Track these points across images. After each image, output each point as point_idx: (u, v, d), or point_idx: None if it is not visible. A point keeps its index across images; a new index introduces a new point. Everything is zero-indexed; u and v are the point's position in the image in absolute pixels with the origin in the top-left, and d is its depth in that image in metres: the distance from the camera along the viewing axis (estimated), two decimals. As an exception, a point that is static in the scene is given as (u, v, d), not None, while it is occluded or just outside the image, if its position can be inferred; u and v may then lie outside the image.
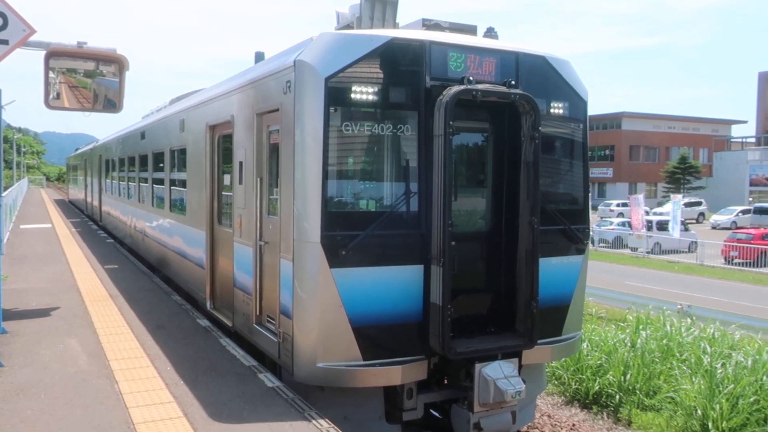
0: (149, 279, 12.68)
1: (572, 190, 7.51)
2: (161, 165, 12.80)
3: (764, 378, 8.94)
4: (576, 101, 7.31)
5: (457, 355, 6.22)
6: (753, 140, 69.58)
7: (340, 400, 6.42)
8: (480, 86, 6.37)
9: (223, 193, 8.94)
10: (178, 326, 8.82)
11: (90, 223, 24.97)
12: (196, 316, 9.46)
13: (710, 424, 8.36)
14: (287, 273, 6.44)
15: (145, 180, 14.49)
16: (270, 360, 7.21)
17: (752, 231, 33.46)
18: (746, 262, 29.33)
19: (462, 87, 6.24)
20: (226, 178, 8.71)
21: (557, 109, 7.15)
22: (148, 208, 14.28)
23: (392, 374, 6.28)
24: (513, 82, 6.56)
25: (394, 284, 6.27)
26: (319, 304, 6.10)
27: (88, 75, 9.59)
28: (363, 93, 6.17)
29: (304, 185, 6.15)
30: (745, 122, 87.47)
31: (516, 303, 6.70)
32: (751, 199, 58.21)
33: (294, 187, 6.22)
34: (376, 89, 6.21)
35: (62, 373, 6.76)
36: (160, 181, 12.89)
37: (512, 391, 6.29)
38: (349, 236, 6.09)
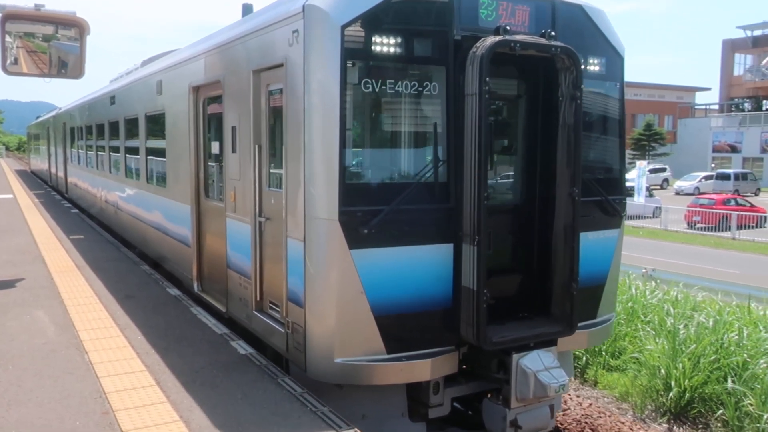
0: (116, 249, 12.49)
1: (608, 158, 6.73)
2: (135, 132, 11.78)
3: (724, 337, 9.23)
4: (613, 57, 6.53)
5: (493, 345, 5.53)
6: (716, 107, 70.82)
7: (358, 396, 5.76)
8: (518, 37, 5.56)
9: (211, 163, 8.17)
10: (147, 296, 8.74)
11: (55, 195, 24.31)
12: (165, 286, 9.37)
13: (673, 383, 8.62)
14: (296, 255, 5.67)
15: (116, 149, 13.41)
16: (273, 351, 6.52)
17: (714, 196, 34.33)
18: (708, 227, 30.11)
19: (498, 38, 5.41)
20: (214, 146, 7.94)
21: (593, 65, 6.37)
22: (120, 179, 13.25)
23: (420, 369, 5.59)
24: (552, 33, 5.72)
25: (421, 266, 5.56)
26: (337, 291, 5.38)
27: (47, 39, 9.26)
28: (384, 44, 5.37)
29: (317, 153, 5.39)
30: (708, 89, 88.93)
31: (551, 284, 5.99)
32: (713, 165, 59.48)
33: (304, 156, 5.45)
34: (398, 40, 5.41)
35: (30, 344, 6.66)
36: (134, 150, 11.88)
37: (556, 384, 5.60)
38: (370, 212, 5.32)
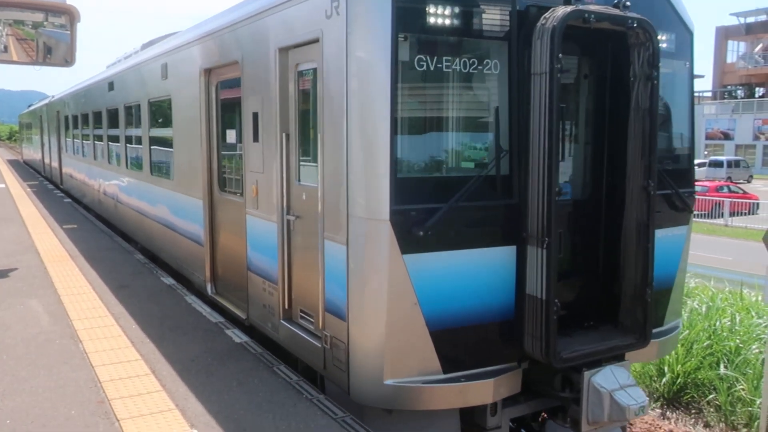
0: (110, 238, 12.44)
1: (677, 146, 6.02)
2: (136, 120, 10.97)
3: (717, 323, 9.29)
4: (683, 34, 5.82)
5: (563, 362, 4.83)
6: (709, 95, 70.93)
7: (405, 419, 5.12)
8: (592, 7, 4.87)
9: (225, 153, 7.48)
10: (141, 285, 8.72)
11: (48, 185, 24.08)
12: (160, 275, 9.35)
13: (666, 368, 8.69)
14: (336, 260, 4.98)
15: (116, 138, 12.62)
16: (304, 365, 5.87)
17: (707, 183, 34.43)
18: (701, 214, 30.22)
19: (571, 8, 4.70)
20: (230, 135, 7.27)
21: (663, 42, 5.53)
22: (120, 170, 12.48)
23: (481, 391, 4.91)
24: (627, 4, 4.98)
25: (480, 272, 4.90)
26: (387, 303, 4.66)
27: (36, 27, 9.17)
28: (440, 16, 4.68)
29: (363, 143, 4.69)
30: (702, 77, 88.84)
31: (620, 289, 5.30)
32: (706, 152, 59.67)
33: (347, 146, 4.75)
34: (456, 11, 4.72)
35: (24, 334, 6.64)
36: (136, 140, 11.11)
37: (635, 406, 4.89)
38: (425, 211, 4.65)
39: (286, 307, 5.96)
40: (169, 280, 9.00)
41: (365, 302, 4.81)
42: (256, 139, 6.27)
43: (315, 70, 5.26)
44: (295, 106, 5.72)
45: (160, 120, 9.89)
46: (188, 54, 8.19)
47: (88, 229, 13.48)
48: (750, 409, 7.87)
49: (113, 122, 12.76)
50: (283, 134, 5.76)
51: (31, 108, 34.19)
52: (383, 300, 4.68)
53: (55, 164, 23.11)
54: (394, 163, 4.61)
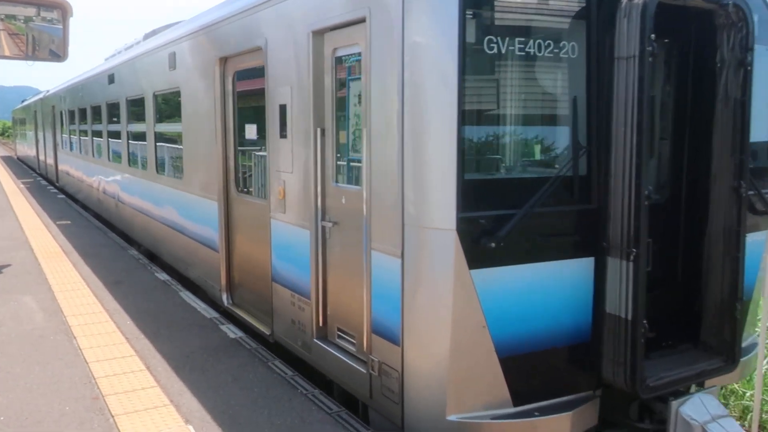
0: (104, 234, 12.41)
1: (760, 141, 5.32)
2: (140, 114, 10.21)
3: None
4: (767, 15, 5.11)
5: (651, 390, 4.20)
6: None
7: None
8: None
9: (243, 150, 6.87)
10: (136, 281, 8.70)
11: (44, 183, 23.78)
12: (154, 270, 9.33)
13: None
14: (387, 274, 4.34)
15: (116, 134, 11.98)
16: (341, 390, 5.26)
17: None
18: None
19: None
20: (250, 130, 6.65)
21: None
22: (122, 168, 11.79)
23: (558, 426, 4.30)
24: None
25: (555, 288, 4.31)
26: (452, 326, 4.05)
27: (28, 21, 9.12)
28: None
29: (423, 138, 4.05)
30: None
31: (703, 303, 4.66)
32: None
33: (403, 142, 4.11)
34: None
35: (18, 330, 6.62)
36: (140, 135, 10.38)
37: None
38: (497, 218, 4.04)
39: (321, 324, 5.33)
40: (163, 276, 8.98)
41: (425, 325, 4.17)
42: (283, 134, 5.65)
43: (358, 55, 4.62)
44: (332, 97, 5.06)
45: (168, 114, 9.25)
46: (200, 41, 7.51)
47: (82, 225, 13.43)
48: (742, 402, 7.92)
49: (114, 117, 12.13)
50: (318, 129, 5.11)
51: (25, 103, 33.57)
52: (447, 322, 4.04)
53: (50, 161, 22.55)
54: (461, 162, 3.95)
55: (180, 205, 8.67)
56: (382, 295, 4.46)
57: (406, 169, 4.13)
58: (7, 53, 8.96)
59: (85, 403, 4.96)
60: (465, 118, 4.01)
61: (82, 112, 15.30)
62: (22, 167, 32.79)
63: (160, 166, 9.60)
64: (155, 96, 9.45)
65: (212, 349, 6.13)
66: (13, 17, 9.02)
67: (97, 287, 8.29)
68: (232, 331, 6.64)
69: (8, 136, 74.69)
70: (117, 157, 12.20)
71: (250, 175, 6.78)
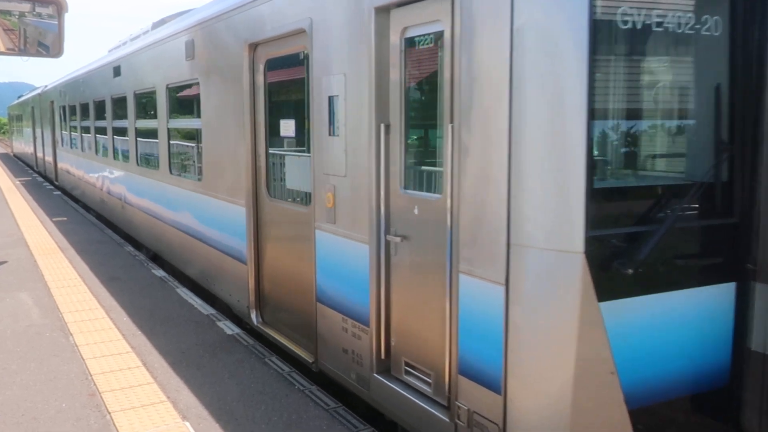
0: (100, 231, 12.39)
1: None
2: (150, 109, 9.49)
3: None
4: None
5: None
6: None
7: None
8: None
9: (276, 150, 6.03)
10: (132, 277, 8.68)
11: (43, 182, 23.54)
12: (151, 267, 9.32)
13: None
14: (484, 304, 3.55)
15: (122, 131, 11.18)
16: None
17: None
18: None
19: None
20: (286, 126, 5.85)
21: None
22: (129, 168, 10.96)
23: None
24: None
25: (691, 321, 3.55)
26: (575, 372, 3.23)
27: (23, 17, 9.08)
28: None
29: (540, 136, 3.23)
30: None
31: None
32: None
33: (511, 142, 3.28)
34: None
35: (14, 327, 6.61)
36: (149, 132, 9.59)
37: None
38: (633, 237, 3.30)
39: (383, 356, 4.53)
40: (160, 273, 8.97)
41: (538, 370, 3.36)
42: (333, 131, 4.86)
43: (439, 35, 3.85)
44: (400, 86, 4.22)
45: (184, 109, 8.56)
46: (224, 27, 6.69)
47: (78, 222, 13.41)
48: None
49: (120, 112, 11.30)
50: (381, 125, 4.31)
51: (22, 99, 32.92)
52: (568, 368, 3.23)
53: (49, 159, 21.79)
54: (590, 166, 3.14)
55: (198, 210, 7.82)
56: (473, 330, 3.65)
57: (516, 175, 3.27)
58: (1, 49, 8.92)
59: (81, 400, 4.96)
60: (594, 111, 3.20)
61: (84, 107, 14.62)
62: (18, 164, 32.68)
63: (174, 166, 8.79)
64: (168, 89, 8.58)
65: (209, 346, 6.13)
66: (8, 13, 8.98)
67: (93, 284, 8.28)
68: (228, 328, 6.64)
69: (4, 132, 74.40)
70: (123, 155, 11.40)
71: (287, 179, 5.96)
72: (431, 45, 4.01)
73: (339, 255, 4.95)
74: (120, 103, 11.22)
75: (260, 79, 6.05)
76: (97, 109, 13.23)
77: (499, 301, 3.42)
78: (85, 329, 6.53)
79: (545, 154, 3.22)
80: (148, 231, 10.21)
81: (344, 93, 4.69)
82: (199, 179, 7.72)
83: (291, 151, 5.85)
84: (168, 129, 8.71)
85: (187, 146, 8.50)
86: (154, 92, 9.09)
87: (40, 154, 24.81)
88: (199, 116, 7.53)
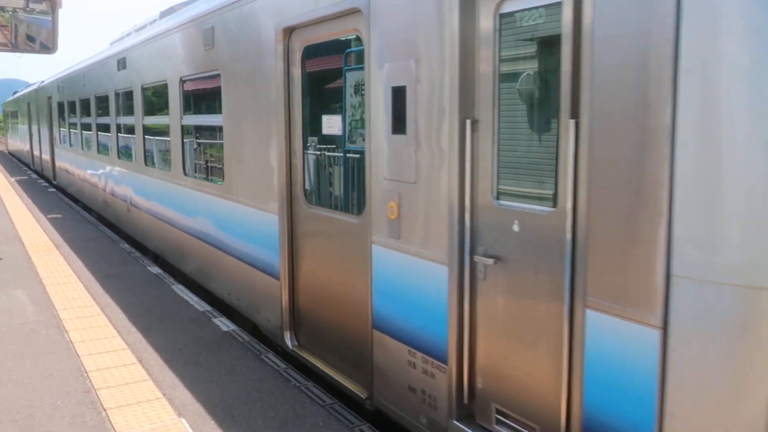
0: (95, 228, 12.36)
1: None
2: (161, 105, 8.84)
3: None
4: None
5: None
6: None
7: None
8: None
9: (316, 149, 5.39)
10: (128, 274, 8.66)
11: (40, 181, 23.38)
12: (146, 264, 9.30)
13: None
14: (626, 351, 2.86)
15: (128, 128, 10.52)
16: None
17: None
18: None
19: None
20: (329, 123, 5.15)
21: None
22: (136, 167, 10.17)
23: None
24: None
25: None
26: None
27: (17, 13, 9.04)
28: None
29: (734, 134, 2.53)
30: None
31: None
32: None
33: (675, 139, 2.60)
34: None
35: (9, 324, 6.59)
36: (160, 130, 8.99)
37: None
38: None
39: (465, 400, 3.84)
40: (155, 270, 8.95)
41: None
42: (399, 128, 4.12)
43: (555, 8, 3.14)
44: (493, 74, 3.52)
45: (201, 103, 7.86)
46: (252, 10, 5.98)
47: (73, 219, 13.37)
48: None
49: (125, 108, 10.61)
50: (467, 121, 3.62)
51: (18, 95, 32.29)
52: None
53: (46, 157, 21.05)
54: None
55: (219, 216, 7.05)
56: (607, 380, 2.96)
57: (682, 185, 2.58)
58: (-5, 45, 8.89)
59: (77, 397, 4.94)
60: None
61: (85, 103, 13.84)
62: (13, 162, 32.52)
63: (189, 167, 8.06)
64: (182, 82, 7.82)
65: (205, 342, 6.12)
66: (2, 9, 8.94)
67: (88, 281, 8.26)
68: (225, 324, 6.63)
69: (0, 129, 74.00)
70: (129, 154, 10.68)
71: (330, 183, 5.36)
72: (540, 21, 3.30)
73: (405, 276, 4.18)
74: (125, 99, 10.51)
75: (297, 68, 5.34)
76: (100, 105, 12.49)
77: (650, 349, 2.73)
78: (80, 326, 6.51)
79: (734, 160, 2.51)
80: (157, 236, 9.46)
81: (414, 83, 3.95)
82: (219, 182, 7.00)
83: (335, 151, 5.20)
84: (182, 126, 7.99)
85: (206, 145, 7.76)
86: (165, 86, 8.34)
87: (36, 152, 24.29)
88: (219, 112, 6.78)
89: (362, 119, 4.64)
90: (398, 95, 4.12)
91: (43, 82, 21.66)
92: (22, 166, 29.63)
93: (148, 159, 9.70)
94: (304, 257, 5.49)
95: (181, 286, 8.07)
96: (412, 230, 4.11)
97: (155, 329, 6.46)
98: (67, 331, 6.35)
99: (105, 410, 4.71)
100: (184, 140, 8.01)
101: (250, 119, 6.14)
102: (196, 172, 8.00)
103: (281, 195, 5.56)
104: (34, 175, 24.11)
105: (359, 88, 4.71)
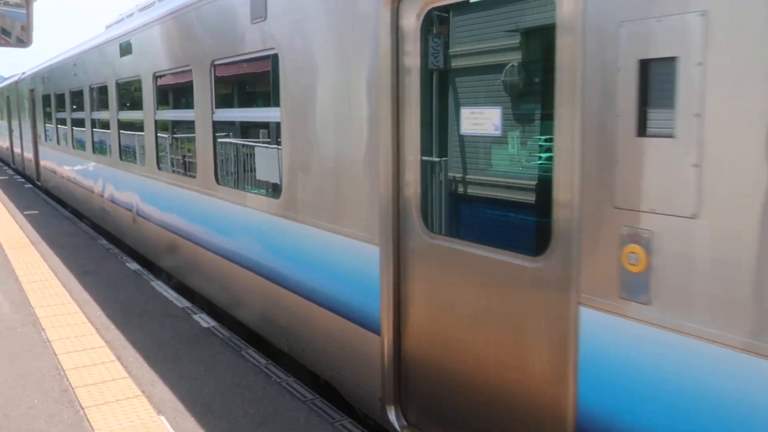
0: (73, 224, 12.21)
1: None
2: (182, 96, 7.49)
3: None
4: None
5: None
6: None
7: None
8: None
9: (435, 159, 3.93)
10: (106, 271, 8.57)
11: (24, 182, 22.83)
12: (125, 260, 9.20)
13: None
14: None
15: (133, 124, 9.18)
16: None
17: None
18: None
19: None
20: (473, 118, 3.62)
21: None
22: (147, 172, 8.59)
23: None
24: None
25: None
26: None
27: (-10, 6, 8.87)
28: None
29: None
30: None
31: None
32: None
33: None
34: None
35: (-16, 322, 6.50)
36: (181, 127, 7.70)
37: None
38: None
39: None
40: (134, 266, 8.87)
41: None
42: (655, 129, 2.61)
43: None
44: None
45: (245, 93, 6.59)
46: None
47: (49, 215, 13.19)
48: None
49: (131, 101, 9.32)
50: None
51: None
52: None
53: (29, 155, 19.31)
54: None
55: (273, 239, 5.44)
56: None
57: None
58: (-33, 38, 8.72)
59: (54, 396, 4.89)
60: None
61: (77, 95, 12.37)
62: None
63: (224, 174, 6.49)
64: (215, 67, 6.29)
65: (184, 339, 6.07)
66: (-26, 1, 8.77)
67: (66, 278, 8.16)
68: (204, 320, 6.59)
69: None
70: (135, 155, 9.29)
71: (476, 206, 3.98)
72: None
73: (660, 364, 2.63)
74: (130, 90, 9.14)
75: (412, 43, 3.82)
76: (96, 98, 11.11)
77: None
78: (57, 324, 6.44)
79: None
80: (174, 255, 7.88)
81: (702, 50, 2.43)
82: (275, 195, 5.40)
83: (484, 159, 3.89)
84: (213, 122, 6.38)
85: (248, 146, 6.11)
86: (188, 72, 6.84)
87: (17, 150, 22.60)
88: (276, 104, 5.23)
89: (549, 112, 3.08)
90: (657, 74, 2.59)
91: (24, 73, 20.03)
92: (1, 164, 29.05)
93: (162, 162, 8.20)
94: (421, 307, 3.95)
95: (160, 282, 8.01)
96: (681, 294, 2.55)
97: (134, 326, 6.41)
98: (44, 329, 6.27)
99: (83, 409, 4.66)
100: (217, 140, 6.38)
101: (326, 114, 4.64)
102: (235, 180, 6.32)
103: (386, 218, 4.01)
104: (17, 177, 23.45)
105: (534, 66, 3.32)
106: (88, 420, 4.49)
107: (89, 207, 12.40)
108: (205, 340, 6.05)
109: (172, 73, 7.61)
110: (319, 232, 4.78)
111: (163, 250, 8.25)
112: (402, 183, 3.98)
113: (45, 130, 16.31)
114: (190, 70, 6.78)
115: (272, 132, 5.63)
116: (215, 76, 6.34)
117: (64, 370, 5.33)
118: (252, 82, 6.25)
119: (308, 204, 4.92)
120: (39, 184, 18.15)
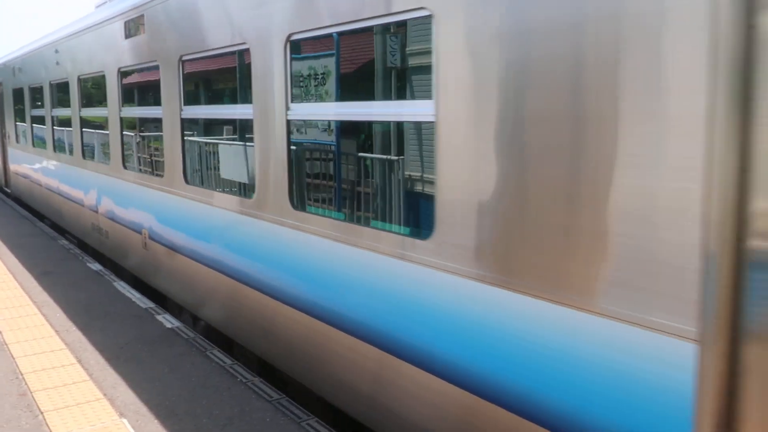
0: (32, 224, 11.90)
1: None
2: (222, 87, 6.07)
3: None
4: None
5: None
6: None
7: None
8: None
9: None
10: (67, 271, 8.37)
11: None
12: (86, 261, 9.01)
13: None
14: None
15: (144, 124, 7.53)
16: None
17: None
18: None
19: None
20: None
21: None
22: (166, 183, 6.70)
23: None
24: None
25: None
26: None
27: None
28: None
29: None
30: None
31: None
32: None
33: None
34: None
35: (-63, 326, 6.29)
36: (223, 127, 6.00)
37: None
38: None
39: None
40: (96, 266, 8.68)
41: None
42: None
43: None
44: None
45: (350, 82, 4.41)
46: None
47: (7, 215, 12.84)
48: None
49: (138, 95, 7.73)
50: None
51: None
52: None
53: None
54: None
55: (372, 288, 3.92)
56: None
57: None
58: None
59: (11, 400, 4.75)
60: None
61: (60, 89, 10.51)
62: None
63: (303, 195, 4.77)
64: (291, 45, 4.52)
65: (148, 340, 5.96)
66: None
67: (24, 279, 7.94)
68: (168, 321, 6.48)
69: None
70: (146, 163, 7.63)
71: None
72: None
73: None
74: (135, 81, 7.64)
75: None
76: (86, 91, 9.36)
77: None
78: (15, 326, 6.26)
79: None
80: (209, 295, 6.07)
81: None
82: (428, 235, 3.45)
83: None
84: (288, 121, 4.60)
85: (360, 158, 4.43)
86: (234, 56, 5.37)
87: None
88: (405, 96, 3.88)
89: None
90: None
91: None
92: None
93: (190, 174, 6.36)
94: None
95: (123, 283, 7.85)
96: None
97: (96, 327, 6.27)
98: (1, 332, 6.10)
99: (42, 413, 4.54)
100: (291, 146, 4.66)
101: (479, 115, 3.07)
102: (325, 202, 4.66)
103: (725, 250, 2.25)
104: None
105: None
106: (47, 424, 4.37)
107: (78, 225, 10.32)
108: (169, 341, 5.95)
109: (210, 57, 5.81)
110: (457, 280, 3.32)
111: (190, 287, 6.48)
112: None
113: (16, 130, 14.30)
114: (246, 49, 5.01)
115: (362, 136, 4.35)
116: (287, 58, 4.57)
117: (22, 374, 5.18)
118: (363, 66, 4.34)
119: (476, 242, 3.20)
120: (8, 191, 16.06)
